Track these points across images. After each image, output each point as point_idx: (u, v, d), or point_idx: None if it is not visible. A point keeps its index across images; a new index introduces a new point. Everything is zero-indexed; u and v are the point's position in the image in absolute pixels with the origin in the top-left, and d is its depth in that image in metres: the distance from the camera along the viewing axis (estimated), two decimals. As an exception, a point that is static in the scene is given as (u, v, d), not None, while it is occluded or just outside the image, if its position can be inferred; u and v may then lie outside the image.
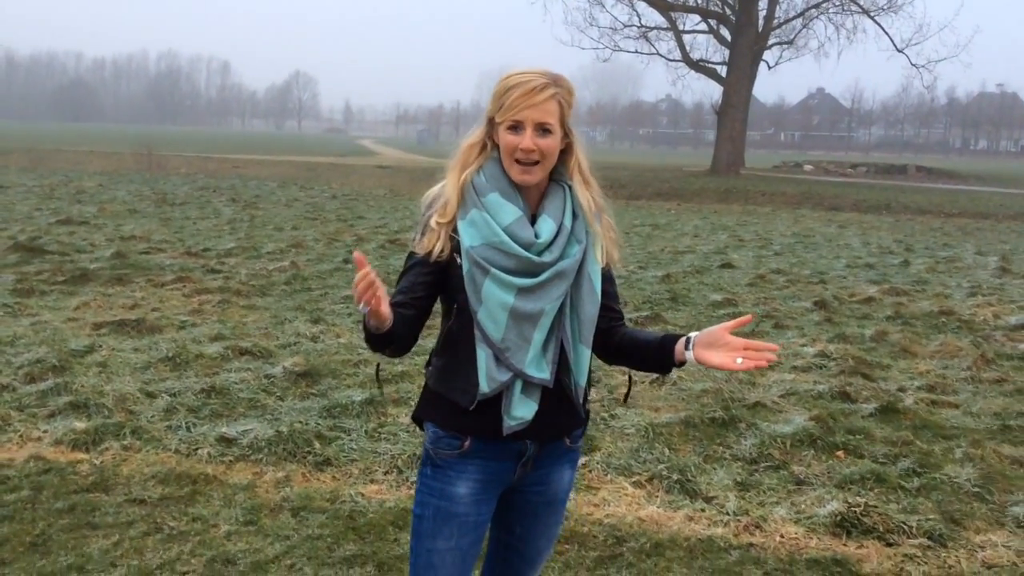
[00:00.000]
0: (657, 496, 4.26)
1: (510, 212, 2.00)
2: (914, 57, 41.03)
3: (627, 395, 2.39)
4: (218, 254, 11.52)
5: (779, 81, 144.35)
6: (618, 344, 2.19)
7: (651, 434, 5.03)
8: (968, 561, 3.73)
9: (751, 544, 3.81)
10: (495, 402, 2.01)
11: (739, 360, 1.97)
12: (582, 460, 4.61)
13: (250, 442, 4.67)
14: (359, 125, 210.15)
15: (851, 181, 39.97)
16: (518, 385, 2.01)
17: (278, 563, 3.51)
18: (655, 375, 5.36)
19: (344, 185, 26.53)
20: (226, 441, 4.70)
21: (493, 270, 1.97)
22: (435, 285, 2.05)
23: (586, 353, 2.08)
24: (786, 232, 17.42)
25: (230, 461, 4.49)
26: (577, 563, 3.60)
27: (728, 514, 4.06)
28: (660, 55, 44.26)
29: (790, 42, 43.54)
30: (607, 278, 2.15)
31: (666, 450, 4.80)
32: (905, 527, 3.93)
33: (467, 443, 2.06)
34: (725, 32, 41.30)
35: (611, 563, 3.61)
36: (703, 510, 4.12)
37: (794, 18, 42.84)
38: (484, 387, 1.98)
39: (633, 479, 4.43)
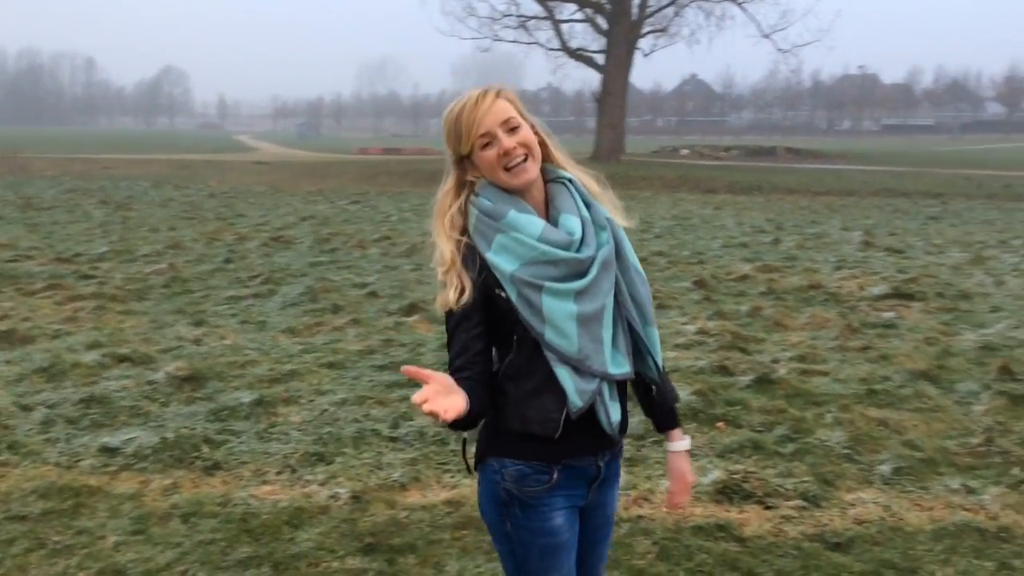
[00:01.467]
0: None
1: (536, 223, 1.94)
2: (780, 42, 42.67)
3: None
4: (90, 259, 11.07)
5: (655, 68, 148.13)
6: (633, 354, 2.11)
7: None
8: (840, 519, 3.97)
9: (640, 516, 3.96)
10: (573, 423, 1.95)
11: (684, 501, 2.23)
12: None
13: (134, 451, 4.55)
14: (235, 120, 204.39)
15: (725, 164, 41.37)
16: (606, 390, 1.97)
17: (170, 570, 3.45)
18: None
19: (222, 183, 25.80)
20: (109, 451, 4.57)
21: (547, 283, 1.90)
22: (487, 333, 1.97)
23: (656, 333, 2.07)
24: (666, 215, 17.93)
25: (114, 471, 4.36)
26: (474, 548, 3.66)
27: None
28: (539, 44, 44.68)
29: (663, 30, 44.62)
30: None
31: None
32: (782, 490, 4.16)
33: (555, 475, 2.00)
34: (601, 21, 41.99)
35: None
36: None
37: (667, 6, 43.88)
38: (577, 402, 1.91)
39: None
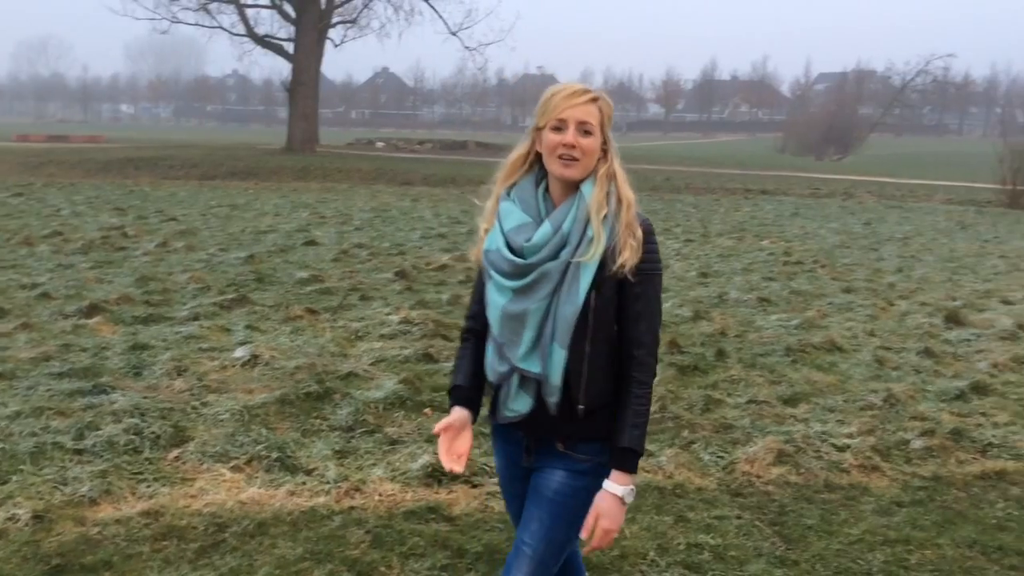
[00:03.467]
0: (257, 477, 4.24)
1: (516, 218, 2.17)
2: (466, 40, 44.22)
3: None
4: None
5: (347, 59, 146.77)
6: (617, 390, 2.19)
7: (247, 416, 4.98)
8: (540, 489, 4.24)
9: (352, 507, 3.97)
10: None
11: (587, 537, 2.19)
12: (175, 452, 4.44)
13: None
14: None
15: (420, 157, 42.17)
16: (515, 379, 2.16)
17: None
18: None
19: None
20: None
21: (493, 274, 2.17)
22: None
23: (559, 353, 2.11)
24: (365, 207, 17.96)
25: None
26: (177, 557, 3.48)
27: (329, 483, 4.18)
28: (224, 29, 42.74)
29: (353, 21, 44.51)
30: (632, 293, 2.14)
31: (263, 430, 4.77)
32: (487, 468, 4.36)
33: (494, 421, 2.30)
34: (289, 8, 41.01)
35: (213, 551, 3.54)
36: (304, 483, 4.19)
37: (355, -2, 43.81)
38: (489, 376, 2.23)
39: (231, 464, 4.35)
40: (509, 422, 2.21)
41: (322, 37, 41.31)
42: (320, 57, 41.43)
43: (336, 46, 44.48)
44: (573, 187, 2.17)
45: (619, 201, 2.14)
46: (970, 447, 5.06)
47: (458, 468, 2.20)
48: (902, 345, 7.46)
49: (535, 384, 2.15)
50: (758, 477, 4.53)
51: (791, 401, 5.79)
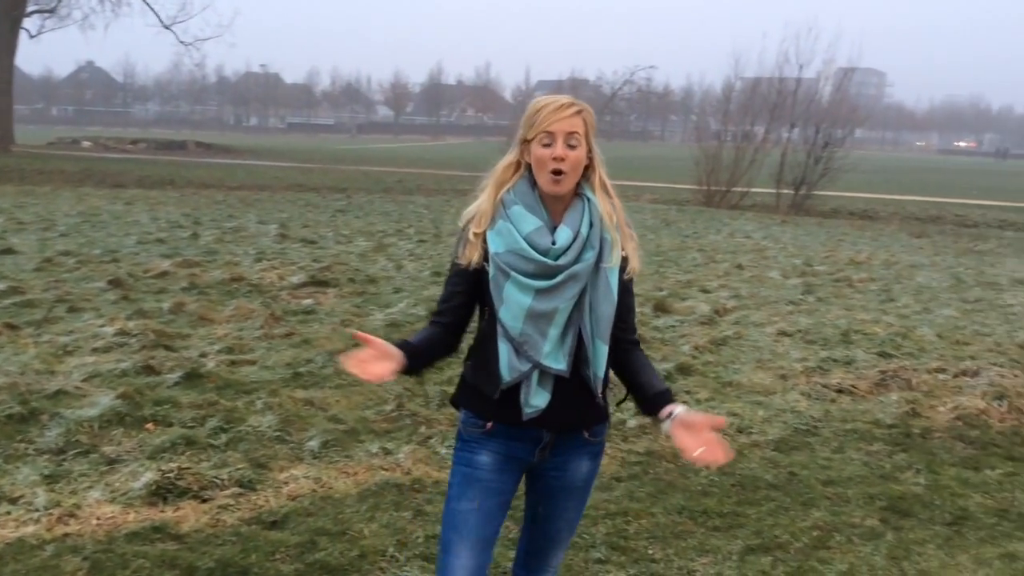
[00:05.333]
0: (-51, 513, 3.78)
1: (531, 222, 2.23)
2: (181, 34, 42.03)
3: (623, 400, 2.49)
4: None
5: (46, 52, 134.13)
6: (625, 364, 2.39)
7: (-68, 447, 4.41)
8: (276, 498, 4.13)
9: (67, 534, 3.65)
10: (516, 392, 2.24)
11: (699, 451, 2.19)
12: None
13: None
14: None
15: (133, 157, 39.45)
16: (535, 376, 2.23)
17: None
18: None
19: None
20: None
21: (513, 274, 2.20)
22: (470, 293, 2.31)
23: (603, 348, 2.27)
24: (71, 212, 16.48)
25: None
26: None
27: (39, 510, 3.81)
28: None
29: (52, 10, 40.79)
30: (626, 289, 2.33)
31: (-46, 460, 4.26)
32: (218, 481, 4.18)
33: (490, 425, 2.31)
34: (-26, -8, 36.78)
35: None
36: (9, 513, 3.79)
37: (53, -16, 40.17)
38: (506, 376, 2.23)
39: (-85, 501, 3.84)
40: (530, 418, 2.26)
41: (16, 26, 37.46)
42: (14, 49, 37.56)
43: (32, 37, 40.51)
44: (569, 193, 2.28)
45: (614, 206, 2.32)
46: (678, 423, 5.54)
47: (353, 368, 2.15)
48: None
49: (552, 380, 2.25)
50: (492, 466, 4.69)
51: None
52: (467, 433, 2.37)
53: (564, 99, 2.26)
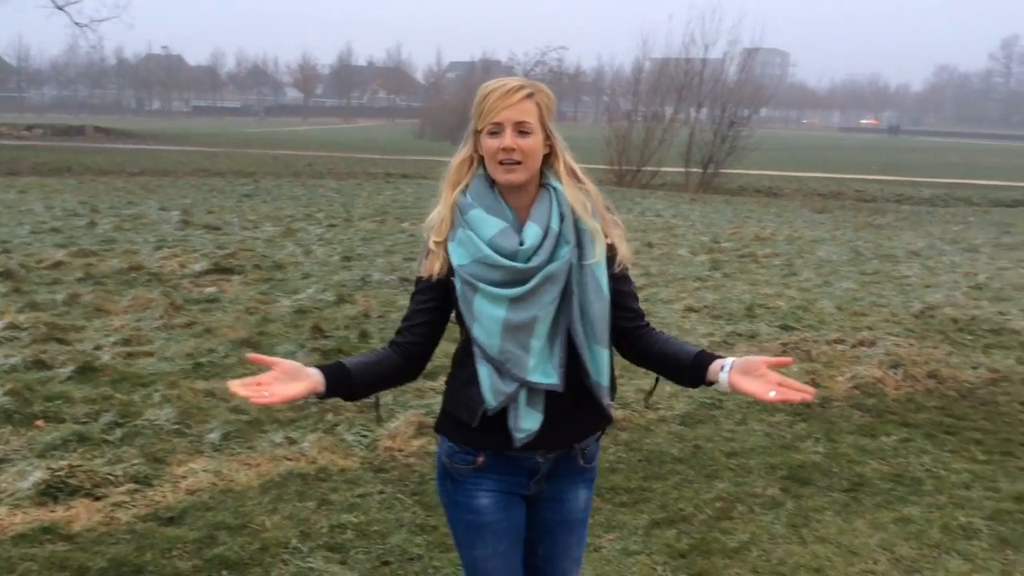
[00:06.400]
0: None
1: (493, 225, 2.00)
2: (75, 15, 40.34)
3: (650, 393, 2.40)
4: None
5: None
6: (646, 351, 2.13)
7: None
8: (173, 493, 4.00)
9: (-55, 542, 3.46)
10: (503, 417, 1.99)
11: (773, 393, 1.91)
12: None
13: None
14: None
15: (28, 143, 37.77)
16: (523, 396, 1.99)
17: None
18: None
19: None
20: None
21: (481, 285, 1.96)
22: (438, 309, 2.07)
23: (603, 353, 2.04)
24: (-43, 201, 15.69)
25: None
26: None
27: (-86, 518, 3.61)
28: None
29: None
30: (621, 277, 2.09)
31: None
32: (112, 477, 4.03)
33: (480, 458, 2.07)
34: None
35: None
36: None
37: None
38: (491, 401, 1.98)
39: None
40: (523, 443, 2.01)
41: None
42: None
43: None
44: (532, 185, 2.05)
45: (588, 193, 2.08)
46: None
47: (244, 392, 1.83)
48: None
49: (542, 398, 2.00)
50: (400, 451, 4.64)
51: (430, 375, 5.99)
52: (455, 471, 2.12)
53: (513, 82, 2.01)
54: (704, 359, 2.04)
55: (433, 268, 2.03)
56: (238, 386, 1.83)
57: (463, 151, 2.09)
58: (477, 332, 1.98)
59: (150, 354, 6.17)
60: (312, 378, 1.94)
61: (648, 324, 2.17)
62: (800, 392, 1.90)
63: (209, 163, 29.38)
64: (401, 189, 22.04)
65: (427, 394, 5.55)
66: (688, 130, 27.50)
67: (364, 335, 6.92)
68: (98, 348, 6.25)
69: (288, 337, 6.82)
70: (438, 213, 2.08)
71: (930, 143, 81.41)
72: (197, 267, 9.55)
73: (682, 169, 27.38)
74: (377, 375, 2.06)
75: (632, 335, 2.14)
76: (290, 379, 1.90)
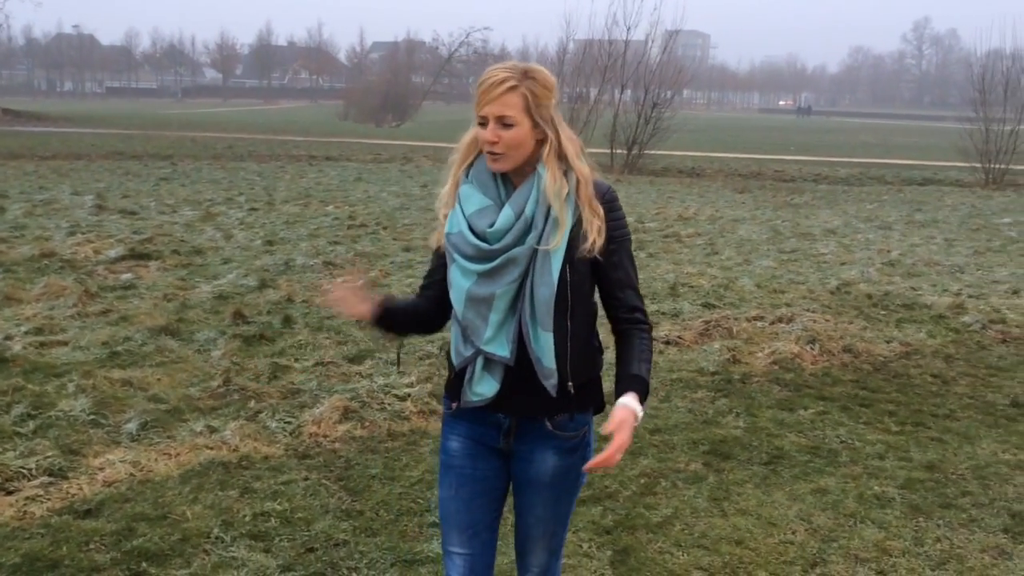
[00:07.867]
0: None
1: (476, 202, 2.12)
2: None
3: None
4: None
5: None
6: (617, 346, 2.23)
7: None
8: (90, 485, 3.90)
9: None
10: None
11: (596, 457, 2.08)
12: None
13: None
14: None
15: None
16: (479, 362, 2.12)
17: None
18: None
19: None
20: None
21: (456, 256, 2.11)
22: (444, 273, 2.19)
23: (545, 336, 2.09)
24: None
25: None
26: None
27: None
28: None
29: None
30: (610, 265, 2.14)
31: None
32: (24, 471, 3.90)
33: (455, 405, 2.22)
34: None
35: None
36: None
37: None
38: (455, 360, 2.16)
39: None
40: (474, 406, 2.15)
41: None
42: None
43: None
44: (529, 167, 2.11)
45: (575, 178, 2.10)
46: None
47: (332, 302, 2.23)
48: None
49: (501, 367, 2.12)
50: (325, 436, 4.60)
51: (357, 359, 5.95)
52: (445, 416, 2.31)
53: (500, 74, 2.05)
54: (620, 389, 2.15)
55: (437, 237, 2.21)
56: (328, 298, 2.23)
57: (470, 133, 2.17)
58: (452, 296, 2.15)
59: (64, 343, 5.98)
60: (374, 301, 2.23)
61: (639, 320, 2.23)
62: (599, 465, 2.08)
63: (124, 146, 28.47)
64: (325, 172, 21.71)
65: (352, 378, 5.51)
66: (612, 111, 27.67)
67: (288, 320, 6.82)
68: (8, 338, 6.03)
69: (208, 323, 6.68)
70: (446, 189, 2.21)
71: (845, 124, 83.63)
72: (112, 253, 9.28)
73: (607, 150, 27.58)
74: (416, 317, 2.31)
75: (617, 326, 2.23)
76: (359, 302, 2.21)
